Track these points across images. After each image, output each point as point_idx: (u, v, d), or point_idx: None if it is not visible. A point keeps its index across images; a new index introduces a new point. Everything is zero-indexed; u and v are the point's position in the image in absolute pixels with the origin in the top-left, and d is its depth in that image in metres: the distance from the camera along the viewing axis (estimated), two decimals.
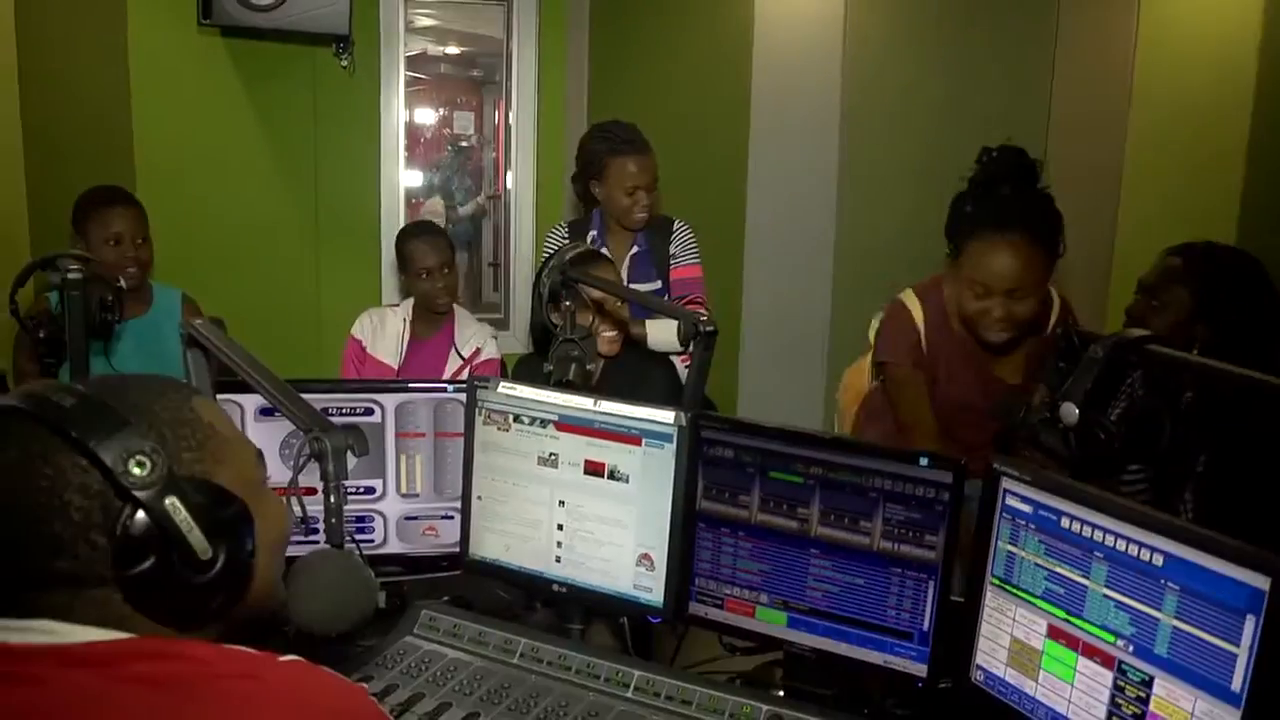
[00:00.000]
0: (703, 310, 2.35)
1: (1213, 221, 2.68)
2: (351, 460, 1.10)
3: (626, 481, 1.46)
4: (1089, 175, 3.24)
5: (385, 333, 2.54)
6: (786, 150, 3.50)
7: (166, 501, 0.76)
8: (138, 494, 0.76)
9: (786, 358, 3.56)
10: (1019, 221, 1.76)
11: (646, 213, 2.50)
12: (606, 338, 2.05)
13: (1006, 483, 1.25)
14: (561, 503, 1.51)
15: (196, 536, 0.77)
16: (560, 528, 1.51)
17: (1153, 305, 1.88)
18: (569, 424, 1.50)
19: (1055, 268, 1.82)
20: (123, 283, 1.92)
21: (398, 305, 2.63)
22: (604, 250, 2.45)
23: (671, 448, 1.43)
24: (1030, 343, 1.92)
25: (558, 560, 1.52)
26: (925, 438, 1.92)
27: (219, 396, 1.40)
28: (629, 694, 1.31)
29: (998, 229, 1.77)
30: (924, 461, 1.30)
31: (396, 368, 2.51)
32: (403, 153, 3.42)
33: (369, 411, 1.62)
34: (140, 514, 0.76)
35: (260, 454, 0.88)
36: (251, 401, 1.55)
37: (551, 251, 2.35)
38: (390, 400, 1.62)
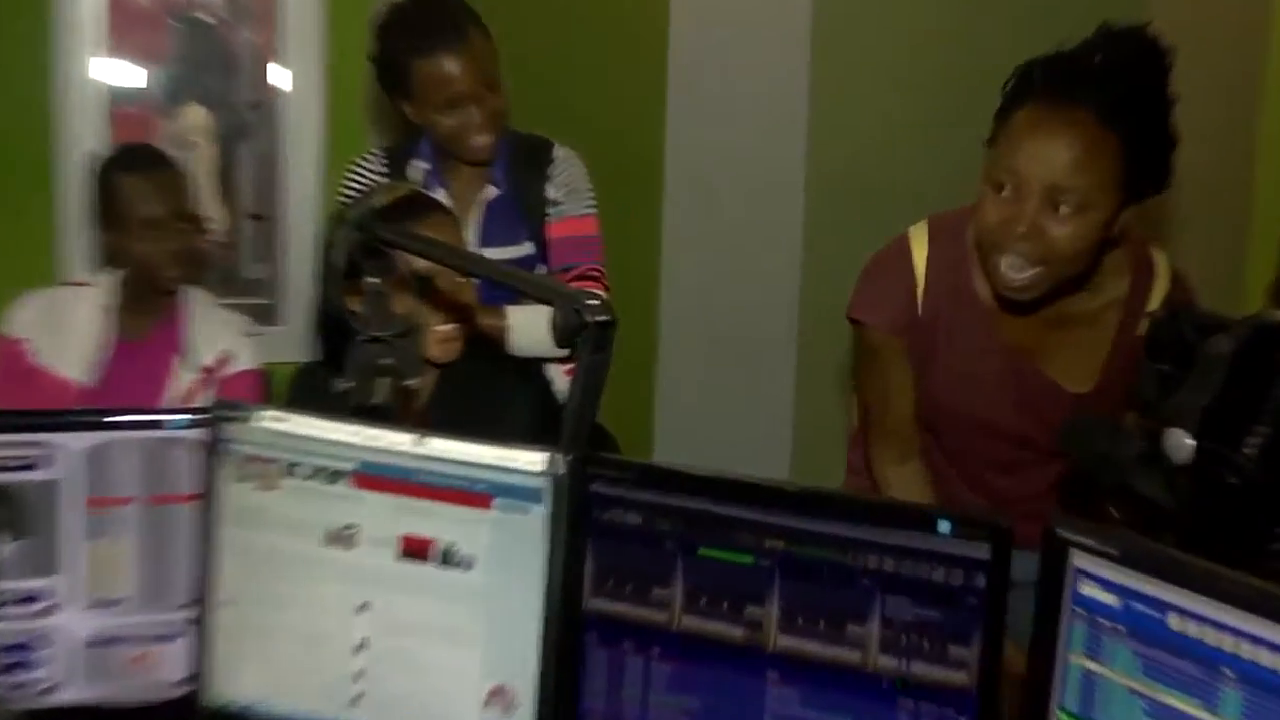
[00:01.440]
0: (598, 289, 2.30)
1: None
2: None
3: (468, 568, 1.42)
4: (1214, 96, 3.14)
5: (66, 329, 2.43)
6: (724, 52, 3.29)
7: None
8: None
9: (731, 364, 3.42)
10: (1090, 88, 1.67)
11: (489, 135, 2.37)
12: (439, 335, 1.96)
13: (1079, 558, 1.19)
14: (363, 606, 1.45)
15: None
16: (362, 647, 1.45)
17: None
18: (376, 477, 1.45)
19: (1148, 207, 1.75)
20: None
21: (88, 284, 2.49)
22: (440, 195, 2.34)
23: (542, 511, 1.38)
24: (1108, 327, 1.84)
25: (356, 701, 1.45)
26: (890, 443, 1.92)
27: None
28: None
29: (1052, 96, 1.68)
30: (945, 527, 1.25)
31: (87, 387, 2.41)
32: (105, 33, 3.21)
33: (32, 465, 1.54)
34: None
35: None
36: None
37: (353, 195, 2.38)
38: (73, 443, 1.54)
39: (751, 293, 3.41)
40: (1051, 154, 1.66)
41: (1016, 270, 1.69)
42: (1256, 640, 1.09)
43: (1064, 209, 1.66)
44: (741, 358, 3.50)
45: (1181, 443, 1.26)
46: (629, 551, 1.41)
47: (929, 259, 1.87)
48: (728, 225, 3.29)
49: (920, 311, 1.87)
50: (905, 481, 1.89)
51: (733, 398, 3.48)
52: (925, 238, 1.89)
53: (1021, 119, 1.70)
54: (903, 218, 2.00)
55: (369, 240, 1.59)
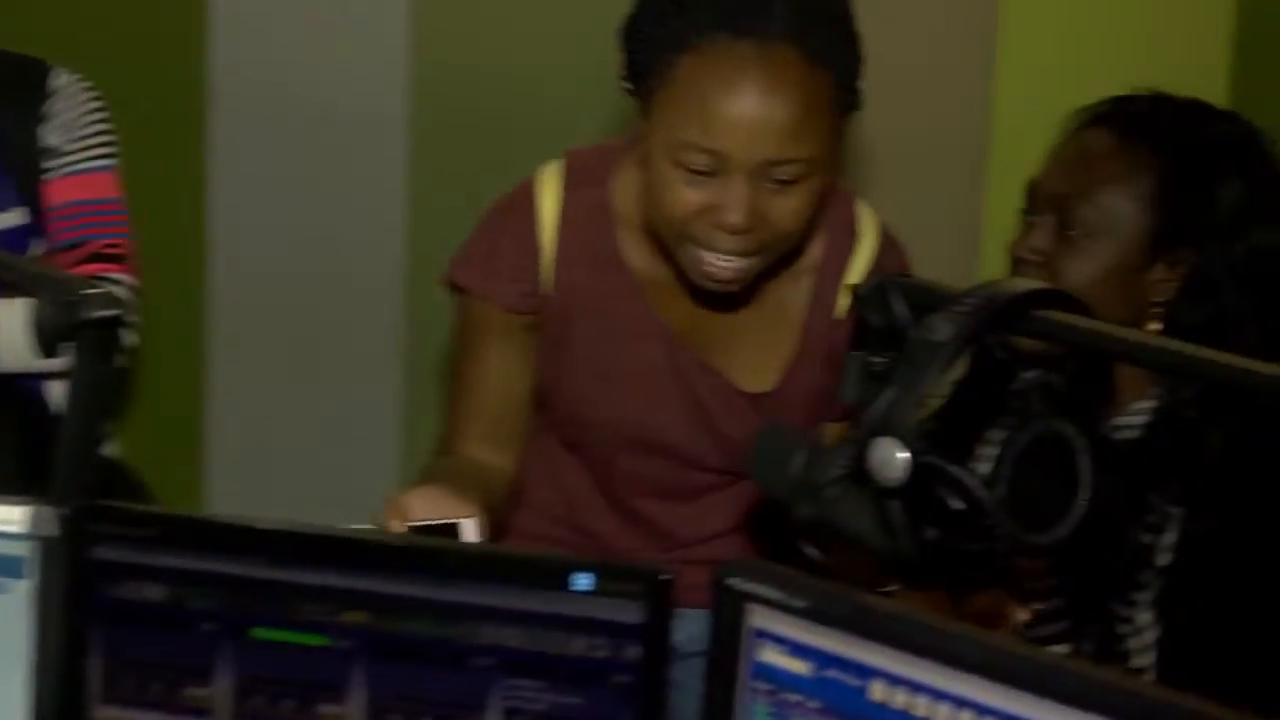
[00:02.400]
0: (120, 271, 2.08)
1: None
2: None
3: None
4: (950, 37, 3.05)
5: None
6: None
7: None
8: None
9: (312, 369, 3.13)
10: (784, 10, 1.51)
11: None
12: None
13: (758, 615, 1.08)
14: None
15: None
16: None
17: (1068, 232, 1.65)
18: None
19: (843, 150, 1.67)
20: None
21: None
22: None
23: (25, 587, 1.23)
24: (795, 306, 1.70)
25: None
26: (469, 430, 1.70)
27: None
28: None
29: (738, 30, 1.50)
30: (584, 582, 1.15)
31: None
32: None
33: None
34: None
35: None
36: None
37: None
38: None
39: (338, 268, 3.10)
40: (761, 121, 1.47)
41: (725, 262, 1.54)
42: (982, 710, 0.98)
43: (783, 179, 1.51)
44: (327, 360, 3.17)
45: (892, 457, 1.13)
46: (152, 638, 1.24)
47: (563, 214, 1.69)
48: (303, 178, 3.01)
49: (548, 284, 1.70)
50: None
51: (315, 415, 3.14)
52: (558, 184, 1.70)
53: (700, 70, 1.51)
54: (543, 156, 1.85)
55: None
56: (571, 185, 1.68)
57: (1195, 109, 1.67)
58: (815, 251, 1.66)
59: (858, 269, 1.68)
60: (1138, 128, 1.62)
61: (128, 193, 2.20)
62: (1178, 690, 0.94)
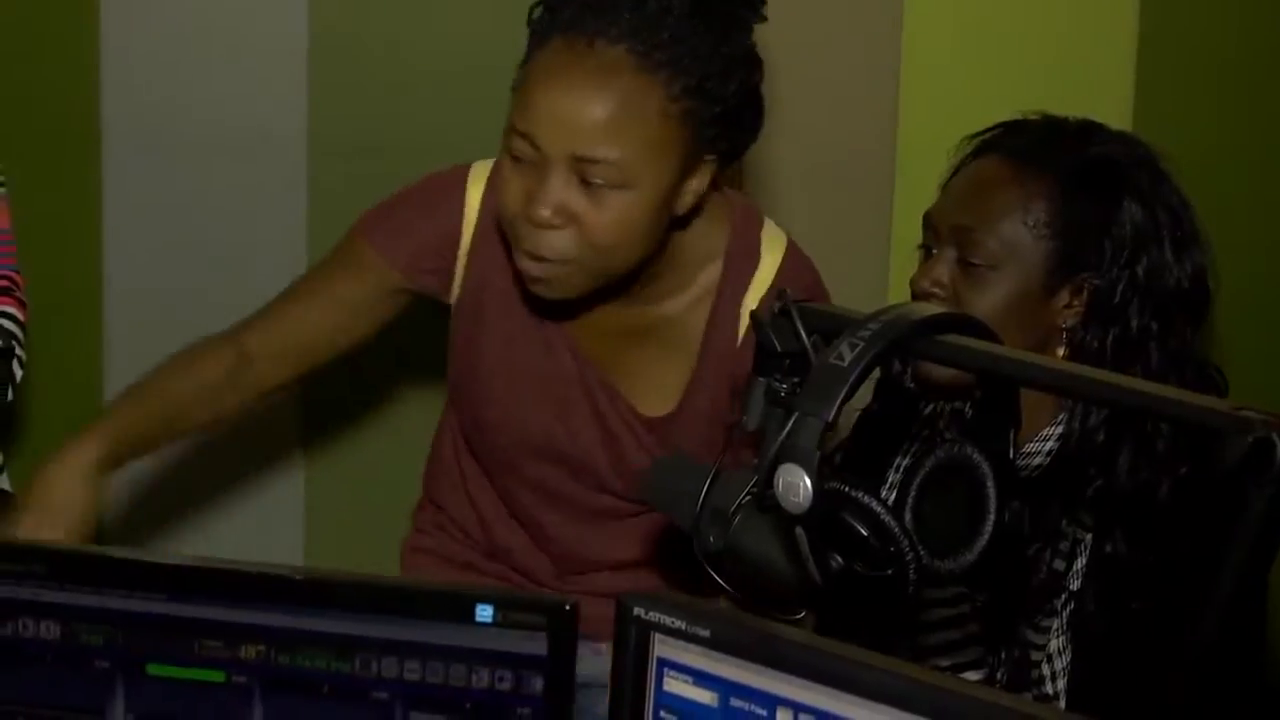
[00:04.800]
0: (8, 304, 2.06)
1: None
2: None
3: None
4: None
5: None
6: None
7: None
8: None
9: None
10: (623, 14, 1.50)
11: None
12: None
13: (662, 645, 1.07)
14: None
15: None
16: None
17: (970, 263, 1.63)
18: None
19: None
20: None
21: None
22: None
23: None
24: (694, 326, 1.67)
25: None
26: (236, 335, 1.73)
27: None
28: None
29: (576, 29, 1.51)
30: (486, 613, 1.15)
31: None
32: None
33: None
34: None
35: None
36: None
37: None
38: None
39: (238, 297, 3.04)
40: (572, 112, 1.48)
41: (536, 263, 1.53)
42: None
43: (596, 183, 1.50)
44: None
45: (797, 484, 1.09)
46: (42, 677, 1.22)
47: (482, 211, 1.68)
48: (200, 203, 2.94)
49: (463, 273, 1.69)
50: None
51: (216, 445, 3.04)
52: (485, 183, 1.70)
53: (538, 64, 1.53)
54: None
55: None
56: (493, 188, 1.68)
57: (1088, 131, 1.66)
58: (713, 274, 1.64)
59: (756, 291, 1.66)
60: (1031, 154, 1.61)
61: (19, 223, 2.17)
62: (1089, 715, 0.94)
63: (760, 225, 1.67)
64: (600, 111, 1.47)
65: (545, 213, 1.47)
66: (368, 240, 1.71)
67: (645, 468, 1.32)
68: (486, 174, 1.70)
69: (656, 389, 1.69)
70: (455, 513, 1.80)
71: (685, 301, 1.65)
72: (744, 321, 1.64)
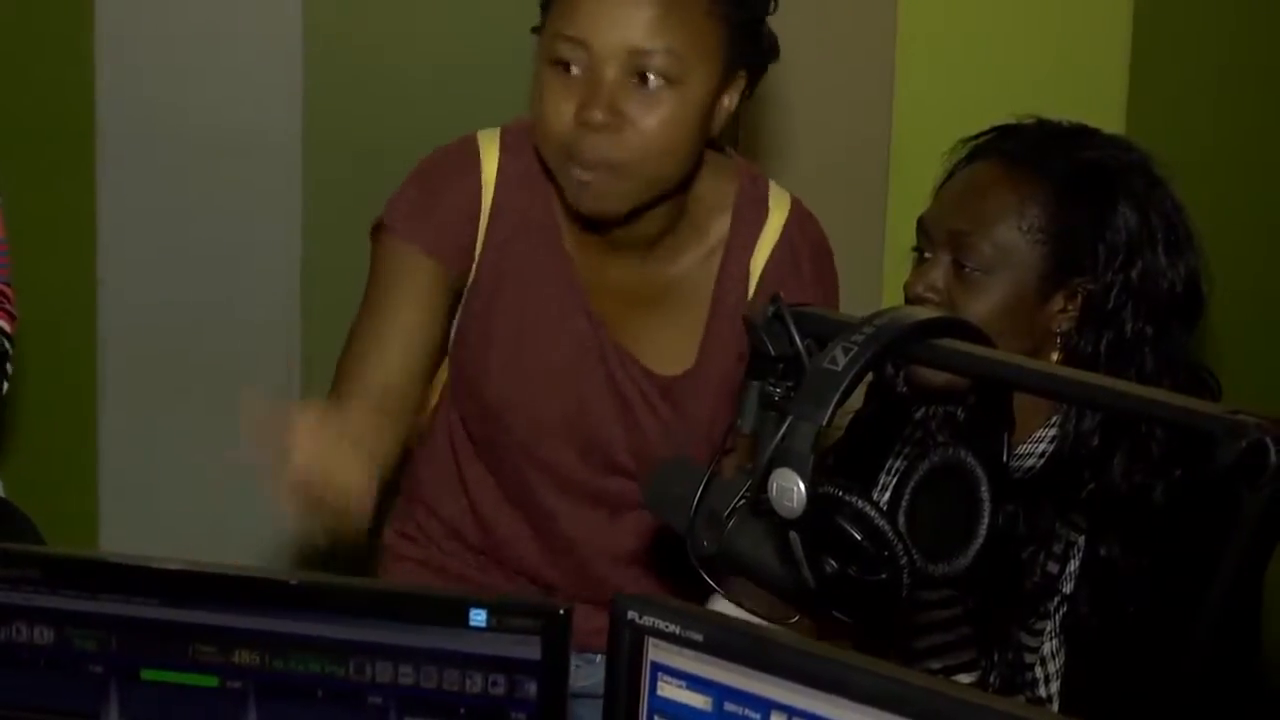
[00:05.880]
0: None
1: None
2: None
3: None
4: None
5: None
6: None
7: None
8: None
9: (207, 401, 2.96)
10: None
11: None
12: None
13: (656, 649, 1.07)
14: None
15: None
16: None
17: (964, 267, 1.63)
18: None
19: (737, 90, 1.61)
20: None
21: None
22: None
23: None
24: (705, 280, 1.68)
25: None
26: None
27: None
28: None
29: None
30: (480, 618, 1.15)
31: None
32: None
33: None
34: None
35: None
36: None
37: None
38: None
39: (231, 299, 3.06)
40: (626, 5, 1.51)
41: (586, 170, 1.54)
42: None
43: (652, 81, 1.52)
44: (221, 393, 3.13)
45: (791, 488, 1.09)
46: (36, 682, 1.21)
47: (500, 175, 1.69)
48: (194, 206, 2.95)
49: (482, 244, 1.69)
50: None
51: (209, 449, 3.05)
52: (496, 148, 1.70)
53: None
54: None
55: None
56: (508, 150, 1.69)
57: (1081, 135, 1.66)
58: (723, 226, 1.67)
59: (766, 244, 1.69)
60: (1025, 158, 1.61)
61: (12, 224, 2.16)
62: (1083, 718, 0.95)
63: (766, 183, 1.70)
64: (650, 6, 1.49)
65: (599, 114, 1.48)
66: (400, 236, 1.69)
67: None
68: (496, 139, 1.71)
69: (670, 350, 1.70)
70: (448, 512, 1.79)
71: (696, 257, 1.67)
72: (754, 276, 1.67)
